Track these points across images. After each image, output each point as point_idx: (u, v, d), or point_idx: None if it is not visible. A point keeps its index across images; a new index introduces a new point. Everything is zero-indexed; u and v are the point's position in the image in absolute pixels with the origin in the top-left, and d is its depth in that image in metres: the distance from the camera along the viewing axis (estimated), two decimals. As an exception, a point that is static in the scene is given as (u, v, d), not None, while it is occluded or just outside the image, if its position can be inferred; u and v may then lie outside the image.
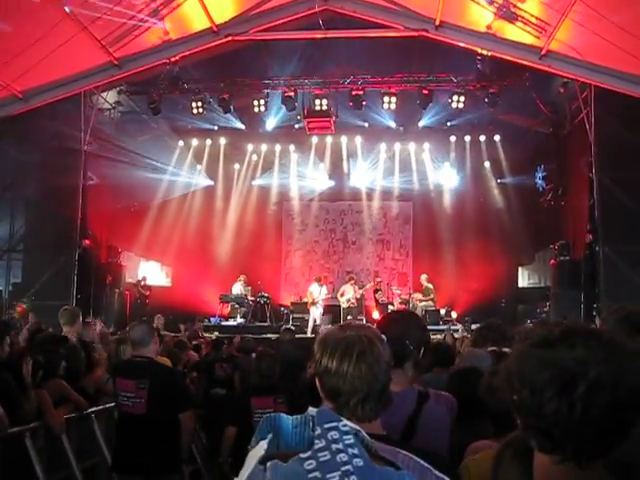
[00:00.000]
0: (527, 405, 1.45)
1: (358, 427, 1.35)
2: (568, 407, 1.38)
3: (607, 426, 1.38)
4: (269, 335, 15.56)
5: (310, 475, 1.25)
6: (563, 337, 1.46)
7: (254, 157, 22.00)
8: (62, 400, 5.96)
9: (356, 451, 1.28)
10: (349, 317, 17.97)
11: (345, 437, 1.30)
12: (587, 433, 1.39)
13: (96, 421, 6.60)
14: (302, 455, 1.28)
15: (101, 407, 6.70)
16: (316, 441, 1.29)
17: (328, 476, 1.24)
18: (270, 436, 1.38)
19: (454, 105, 16.85)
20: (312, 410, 1.41)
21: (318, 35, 14.42)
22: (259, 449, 1.36)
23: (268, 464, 1.30)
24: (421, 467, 1.72)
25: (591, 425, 1.38)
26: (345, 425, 1.33)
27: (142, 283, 19.53)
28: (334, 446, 1.28)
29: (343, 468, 1.25)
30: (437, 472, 1.69)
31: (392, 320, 3.32)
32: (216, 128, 20.51)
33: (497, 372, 1.63)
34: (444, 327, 16.67)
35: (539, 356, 1.46)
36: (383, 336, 2.44)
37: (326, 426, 1.32)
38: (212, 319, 19.17)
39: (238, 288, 20.01)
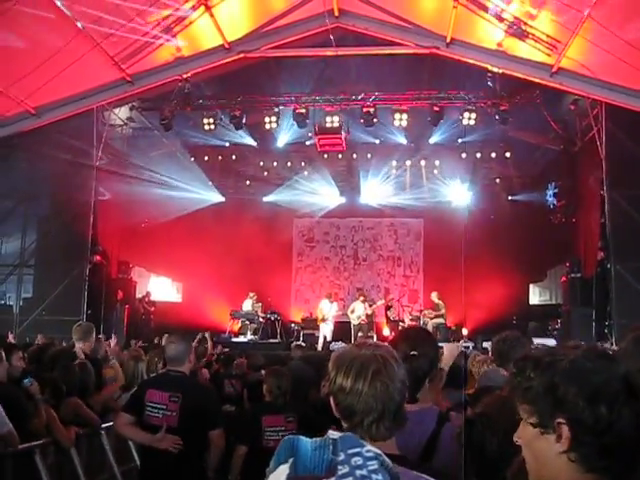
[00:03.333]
0: (599, 421, 1.44)
1: (379, 451, 1.34)
2: (636, 416, 1.41)
3: None
4: (279, 352, 15.49)
5: None
6: (600, 355, 1.50)
7: (265, 174, 22.03)
8: (76, 417, 5.96)
9: (380, 477, 1.26)
10: (360, 334, 17.93)
11: (369, 463, 1.28)
12: None
13: (106, 437, 6.59)
14: None
15: (111, 423, 6.68)
16: (339, 467, 1.28)
17: None
18: (292, 460, 1.37)
19: (465, 122, 16.89)
20: (333, 433, 1.39)
21: (330, 52, 14.50)
22: (280, 473, 1.34)
23: None
24: None
25: None
26: (369, 451, 1.31)
27: (146, 299, 19.54)
28: (358, 472, 1.26)
29: None
30: None
31: (408, 336, 3.30)
32: (227, 144, 20.57)
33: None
34: (455, 345, 16.61)
35: (593, 369, 1.47)
36: (414, 352, 2.43)
37: (350, 452, 1.30)
38: (222, 335, 19.13)
39: (248, 305, 19.97)
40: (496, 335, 5.11)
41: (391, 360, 2.12)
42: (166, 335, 6.29)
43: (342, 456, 1.30)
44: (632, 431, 1.40)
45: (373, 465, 1.28)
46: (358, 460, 1.29)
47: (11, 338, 11.95)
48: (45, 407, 5.60)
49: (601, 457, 1.44)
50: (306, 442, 1.40)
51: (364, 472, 1.26)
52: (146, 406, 5.17)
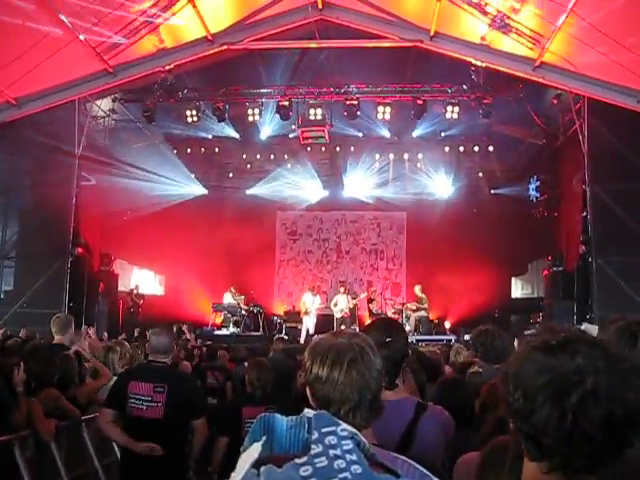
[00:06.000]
0: (519, 409, 1.44)
1: (355, 430, 1.31)
2: (559, 415, 1.37)
3: (599, 440, 1.36)
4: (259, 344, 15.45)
5: None
6: (566, 344, 1.45)
7: (248, 166, 21.97)
8: (56, 410, 5.91)
9: (355, 457, 1.23)
10: (342, 327, 17.93)
11: (343, 442, 1.25)
12: (577, 445, 1.37)
13: (86, 430, 6.55)
14: (298, 460, 1.23)
15: (91, 416, 6.64)
16: (313, 446, 1.24)
17: None
18: (264, 438, 1.34)
19: (448, 115, 16.90)
20: (309, 412, 1.36)
21: (313, 45, 14.48)
22: (252, 452, 1.31)
23: (262, 469, 1.24)
24: (420, 474, 1.68)
25: (582, 437, 1.36)
26: (344, 430, 1.28)
27: (135, 292, 19.46)
28: (332, 452, 1.23)
29: (341, 475, 1.20)
30: (436, 479, 1.65)
31: (382, 325, 3.31)
32: (210, 137, 20.47)
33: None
34: (437, 337, 16.70)
35: (538, 360, 1.45)
36: (389, 338, 2.44)
37: (324, 430, 1.27)
38: (205, 328, 19.10)
39: (228, 299, 19.96)
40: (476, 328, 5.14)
41: (367, 349, 2.10)
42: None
43: (316, 435, 1.27)
44: (551, 427, 1.37)
45: (348, 445, 1.25)
46: (332, 439, 1.25)
47: (1, 332, 11.89)
48: (27, 399, 5.56)
49: (533, 448, 1.44)
50: (282, 420, 1.37)
51: (338, 452, 1.23)
52: (129, 398, 5.13)
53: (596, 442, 1.36)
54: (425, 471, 1.70)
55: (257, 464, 1.27)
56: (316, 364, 2.07)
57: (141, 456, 5.01)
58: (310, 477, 1.20)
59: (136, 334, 14.45)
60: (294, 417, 1.37)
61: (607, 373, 1.38)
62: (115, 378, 6.79)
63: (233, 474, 1.31)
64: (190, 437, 5.34)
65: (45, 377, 5.91)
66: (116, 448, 6.48)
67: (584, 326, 4.90)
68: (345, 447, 1.25)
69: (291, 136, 19.73)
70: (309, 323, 18.76)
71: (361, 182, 21.70)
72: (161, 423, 5.04)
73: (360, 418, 2.03)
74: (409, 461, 1.72)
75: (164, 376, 5.20)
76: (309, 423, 1.32)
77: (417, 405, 3.06)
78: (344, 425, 1.30)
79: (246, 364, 7.75)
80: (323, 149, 20.87)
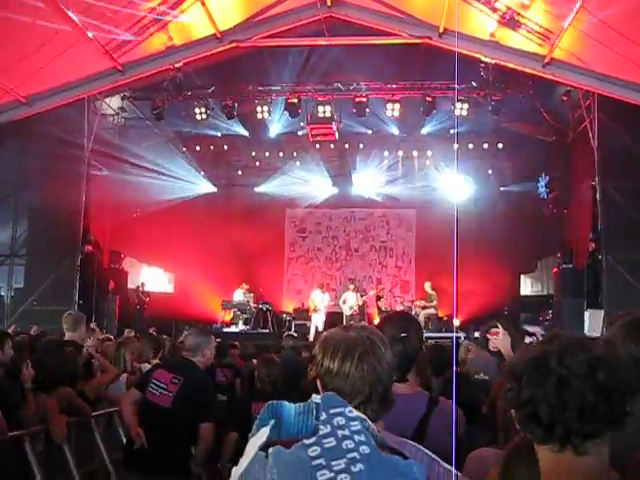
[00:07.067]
0: (513, 393, 1.54)
1: (363, 415, 1.31)
2: (542, 376, 1.49)
3: (590, 398, 1.45)
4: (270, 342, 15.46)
5: (314, 462, 1.20)
6: (551, 338, 1.58)
7: (257, 164, 22.00)
8: (68, 407, 5.93)
9: (363, 438, 1.23)
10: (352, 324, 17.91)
11: (352, 423, 1.25)
12: (568, 403, 1.46)
13: (96, 426, 6.57)
14: (306, 441, 1.22)
15: (101, 412, 6.66)
16: (321, 427, 1.24)
17: (333, 463, 1.19)
18: (272, 422, 1.34)
19: (457, 112, 16.83)
20: (316, 397, 1.36)
21: (322, 42, 14.45)
22: (260, 436, 1.31)
23: (270, 450, 1.24)
24: (429, 458, 1.68)
25: (570, 394, 1.45)
26: (352, 411, 1.28)
27: (141, 289, 19.50)
28: (340, 432, 1.23)
29: (349, 455, 1.20)
30: (444, 464, 1.65)
31: (396, 320, 3.30)
32: (219, 134, 20.51)
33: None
34: (446, 335, 16.66)
35: (526, 349, 1.60)
36: (404, 334, 2.45)
37: (332, 412, 1.27)
38: (214, 325, 19.12)
39: (239, 295, 19.97)
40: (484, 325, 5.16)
41: (378, 342, 2.10)
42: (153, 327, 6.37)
43: (324, 415, 1.26)
44: (539, 392, 1.48)
45: (356, 426, 1.25)
46: (340, 420, 1.25)
47: (12, 329, 11.96)
48: (42, 397, 5.59)
49: (535, 427, 1.52)
50: (290, 407, 1.37)
51: (346, 432, 1.23)
52: (151, 383, 5.33)
53: (586, 400, 1.45)
54: (433, 456, 1.70)
55: (265, 447, 1.27)
56: (327, 357, 2.07)
57: (143, 447, 5.10)
58: (318, 457, 1.21)
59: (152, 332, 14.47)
60: (302, 404, 1.36)
61: (585, 347, 1.52)
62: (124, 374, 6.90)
63: (242, 458, 1.32)
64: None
65: (59, 374, 5.93)
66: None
67: (589, 312, 4.97)
68: (353, 428, 1.25)
69: (300, 133, 19.76)
70: (318, 321, 18.76)
71: (370, 179, 21.68)
72: (167, 412, 5.15)
73: (371, 411, 2.02)
74: (418, 446, 1.72)
75: (185, 371, 5.37)
76: (317, 407, 1.32)
77: (429, 399, 3.06)
78: (352, 407, 1.30)
79: (255, 361, 7.77)
80: (332, 146, 20.86)
